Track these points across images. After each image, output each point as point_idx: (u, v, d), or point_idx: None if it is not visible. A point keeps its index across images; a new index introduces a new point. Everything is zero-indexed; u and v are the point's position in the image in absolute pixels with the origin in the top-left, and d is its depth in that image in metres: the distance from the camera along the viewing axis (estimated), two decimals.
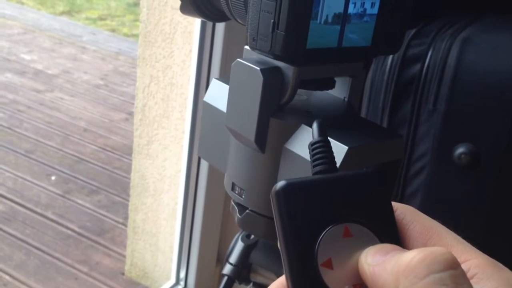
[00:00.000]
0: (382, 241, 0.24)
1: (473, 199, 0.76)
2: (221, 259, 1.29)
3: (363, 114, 0.84)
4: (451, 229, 0.29)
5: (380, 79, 0.81)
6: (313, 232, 0.23)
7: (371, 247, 0.23)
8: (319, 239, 0.23)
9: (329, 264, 0.23)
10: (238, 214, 0.45)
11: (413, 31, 0.80)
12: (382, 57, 0.82)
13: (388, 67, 0.80)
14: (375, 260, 0.23)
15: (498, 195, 0.75)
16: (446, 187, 0.77)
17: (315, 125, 0.26)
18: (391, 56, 0.80)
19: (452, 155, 0.75)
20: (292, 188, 0.24)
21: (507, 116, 0.72)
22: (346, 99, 0.44)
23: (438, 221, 0.29)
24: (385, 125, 0.80)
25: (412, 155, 0.79)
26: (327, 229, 0.23)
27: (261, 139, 0.40)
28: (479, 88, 0.73)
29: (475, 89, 0.73)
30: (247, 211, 0.44)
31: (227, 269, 0.48)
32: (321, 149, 0.25)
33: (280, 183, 0.24)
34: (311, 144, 0.26)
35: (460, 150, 0.74)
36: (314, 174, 0.25)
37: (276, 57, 0.38)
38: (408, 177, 0.80)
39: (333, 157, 0.25)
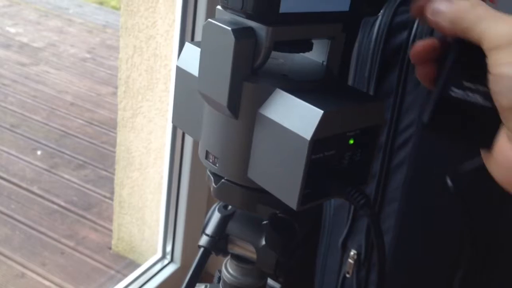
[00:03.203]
0: None
1: (461, 169, 0.75)
2: None
3: (349, 83, 0.82)
4: None
5: (366, 47, 0.79)
6: None
7: None
8: None
9: None
10: (213, 184, 0.44)
11: None
12: (369, 25, 0.79)
13: (374, 35, 0.78)
14: None
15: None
16: (433, 157, 0.76)
17: None
18: (377, 24, 0.78)
19: None
20: None
21: None
22: (324, 63, 0.42)
23: None
24: (371, 94, 0.78)
25: (398, 125, 0.77)
26: None
27: (234, 104, 0.38)
28: None
29: None
30: (222, 180, 0.42)
31: (203, 240, 0.47)
32: None
33: None
34: None
35: None
36: None
37: (249, 17, 0.36)
38: (394, 148, 0.79)
39: None
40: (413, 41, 0.74)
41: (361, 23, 0.71)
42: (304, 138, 0.34)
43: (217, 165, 0.41)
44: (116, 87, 2.55)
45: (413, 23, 0.74)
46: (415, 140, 0.77)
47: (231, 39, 0.36)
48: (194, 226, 1.24)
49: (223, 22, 0.37)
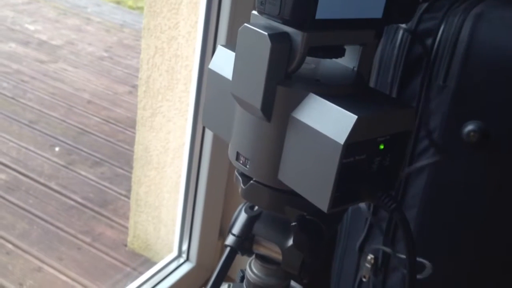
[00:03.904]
0: None
1: (481, 177, 0.75)
2: (224, 233, 1.29)
3: None
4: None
5: (390, 53, 0.80)
6: None
7: None
8: None
9: None
10: (242, 185, 0.44)
11: (425, 5, 0.78)
12: (392, 31, 0.80)
13: (398, 41, 0.78)
14: None
15: (506, 174, 0.74)
16: (454, 165, 0.76)
17: None
18: (401, 31, 0.78)
19: (461, 133, 0.73)
20: None
21: None
22: (355, 69, 0.43)
23: None
24: None
25: (420, 131, 0.78)
26: None
27: (267, 107, 0.39)
28: (490, 65, 0.71)
29: (486, 66, 0.71)
30: (251, 181, 0.43)
31: (230, 240, 0.48)
32: None
33: None
34: None
35: (469, 127, 0.73)
36: None
37: (285, 22, 0.37)
38: (415, 154, 0.79)
39: None
40: (438, 48, 0.74)
41: (384, 29, 0.72)
42: (337, 142, 0.35)
43: (247, 166, 0.42)
44: (133, 86, 2.57)
45: (438, 31, 0.75)
46: (436, 147, 0.77)
47: (267, 43, 0.37)
48: (211, 226, 1.25)
49: (259, 27, 0.38)
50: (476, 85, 0.73)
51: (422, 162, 0.79)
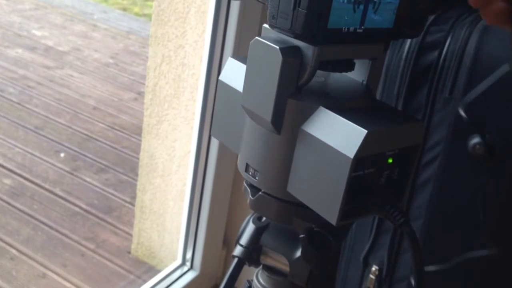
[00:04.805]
0: None
1: (486, 191, 0.75)
2: (228, 241, 1.29)
3: None
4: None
5: (396, 65, 0.80)
6: None
7: None
8: None
9: None
10: (250, 196, 0.45)
11: (432, 17, 0.78)
12: (398, 43, 0.80)
13: (405, 53, 0.78)
14: None
15: None
16: (459, 178, 0.76)
17: None
18: (408, 42, 0.78)
19: (466, 145, 0.73)
20: None
21: None
22: (364, 82, 0.43)
23: None
24: None
25: (425, 143, 0.78)
26: None
27: (277, 120, 0.39)
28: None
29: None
30: (260, 193, 0.44)
31: (238, 250, 0.48)
32: None
33: None
34: None
35: (475, 140, 0.73)
36: None
37: (296, 36, 0.37)
38: (420, 166, 0.79)
39: None
40: (444, 61, 0.75)
41: (391, 41, 0.72)
42: (347, 156, 0.36)
43: (256, 178, 0.42)
44: (138, 93, 2.59)
45: (444, 43, 0.75)
46: (441, 159, 0.77)
47: (279, 57, 0.37)
48: (215, 234, 1.26)
49: (271, 40, 0.38)
50: (482, 98, 0.73)
51: (427, 174, 0.79)
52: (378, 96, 0.84)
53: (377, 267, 0.87)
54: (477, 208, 0.76)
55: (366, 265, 0.90)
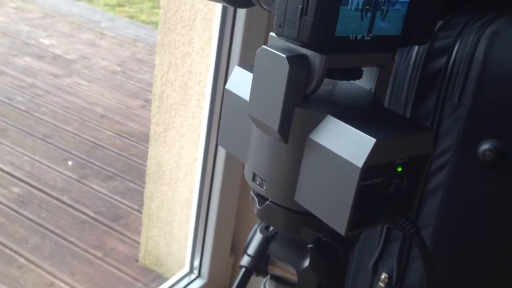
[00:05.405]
0: None
1: (497, 198, 0.74)
2: (235, 249, 1.29)
3: (385, 106, 0.82)
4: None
5: (404, 71, 0.79)
6: None
7: None
8: None
9: None
10: (258, 205, 0.44)
11: (440, 23, 0.78)
12: (406, 49, 0.80)
13: (413, 59, 0.78)
14: None
15: None
16: (469, 185, 0.75)
17: None
18: (416, 48, 0.78)
19: (476, 152, 0.73)
20: None
21: None
22: (372, 90, 0.43)
23: None
24: None
25: (434, 150, 0.77)
26: None
27: (284, 129, 0.39)
28: (506, 83, 0.71)
29: (502, 84, 0.71)
30: (267, 202, 0.43)
31: (245, 260, 0.47)
32: None
33: None
34: None
35: (485, 146, 0.72)
36: None
37: (303, 45, 0.37)
38: (429, 173, 0.78)
39: None
40: (452, 66, 0.74)
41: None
42: (356, 165, 0.35)
43: (264, 187, 0.42)
44: (145, 100, 2.59)
45: (453, 49, 0.74)
46: (451, 166, 0.76)
47: (286, 66, 0.37)
48: (223, 242, 1.25)
49: (277, 49, 0.38)
50: (491, 103, 0.72)
51: (437, 180, 0.79)
52: (386, 103, 0.83)
53: (386, 275, 0.87)
54: (488, 213, 0.75)
55: (375, 273, 0.89)
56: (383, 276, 0.87)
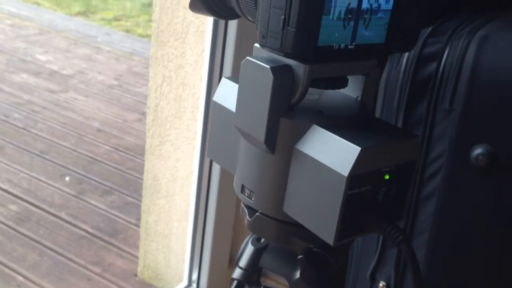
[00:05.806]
0: None
1: (491, 202, 0.74)
2: (234, 261, 1.28)
3: (377, 114, 0.82)
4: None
5: (395, 78, 0.79)
6: None
7: None
8: None
9: None
10: (248, 217, 0.44)
11: (429, 29, 0.78)
12: (397, 56, 0.80)
13: (403, 66, 0.78)
14: None
15: None
16: (463, 190, 0.75)
17: None
18: (406, 55, 0.78)
19: (469, 157, 0.73)
20: None
21: None
22: (359, 98, 0.43)
23: None
24: (400, 125, 0.78)
25: (427, 156, 0.77)
26: None
27: (271, 139, 0.39)
28: (497, 87, 0.71)
29: (493, 89, 0.71)
30: (257, 214, 0.43)
31: (237, 273, 0.47)
32: None
33: None
34: None
35: (477, 151, 0.72)
36: None
37: (287, 55, 0.37)
38: (423, 179, 0.78)
39: None
40: (443, 72, 0.74)
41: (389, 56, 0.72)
42: (341, 174, 0.35)
43: (252, 199, 0.42)
44: (142, 114, 2.59)
45: (442, 54, 0.74)
46: (444, 171, 0.76)
47: (270, 76, 0.37)
48: (221, 254, 1.24)
49: (261, 60, 0.38)
50: (483, 108, 0.72)
51: (432, 186, 0.78)
52: (378, 110, 0.83)
53: (384, 283, 0.86)
54: (483, 218, 0.75)
55: (373, 281, 0.88)
56: (381, 285, 0.87)
